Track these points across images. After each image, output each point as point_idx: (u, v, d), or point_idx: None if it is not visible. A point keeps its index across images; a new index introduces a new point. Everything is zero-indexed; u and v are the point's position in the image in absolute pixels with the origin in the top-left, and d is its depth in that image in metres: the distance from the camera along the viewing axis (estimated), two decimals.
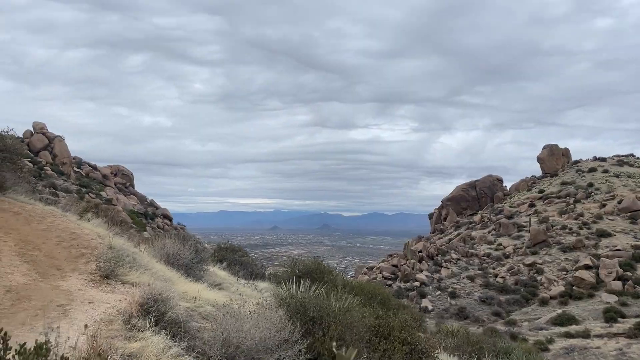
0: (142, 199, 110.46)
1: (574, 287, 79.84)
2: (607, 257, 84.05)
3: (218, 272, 14.30)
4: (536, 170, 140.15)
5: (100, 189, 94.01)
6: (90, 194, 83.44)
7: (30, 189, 13.05)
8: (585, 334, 59.01)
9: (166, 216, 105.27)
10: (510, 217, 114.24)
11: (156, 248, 11.62)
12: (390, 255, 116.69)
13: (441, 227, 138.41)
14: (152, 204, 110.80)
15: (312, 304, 8.74)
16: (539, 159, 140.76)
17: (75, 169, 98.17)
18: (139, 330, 7.06)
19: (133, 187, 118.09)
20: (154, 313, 7.45)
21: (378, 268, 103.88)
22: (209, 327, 7.62)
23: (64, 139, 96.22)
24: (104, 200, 77.78)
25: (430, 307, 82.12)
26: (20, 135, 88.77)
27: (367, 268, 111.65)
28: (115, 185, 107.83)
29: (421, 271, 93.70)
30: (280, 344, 7.43)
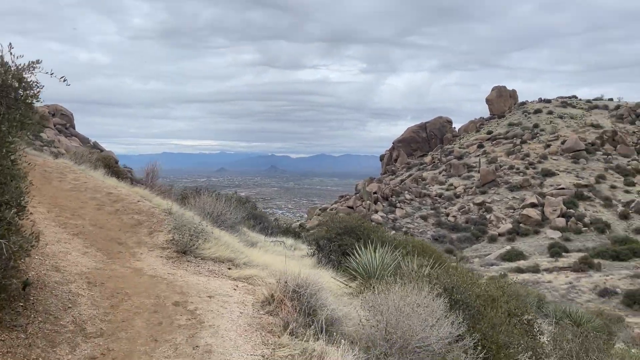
0: (84, 140, 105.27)
1: (521, 225, 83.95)
2: (552, 195, 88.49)
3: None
4: (480, 112, 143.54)
5: (39, 130, 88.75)
6: (27, 135, 78.43)
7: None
8: (535, 269, 62.60)
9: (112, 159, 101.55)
10: (460, 158, 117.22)
11: (194, 207, 10.72)
12: (343, 197, 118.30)
13: (392, 168, 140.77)
14: (95, 146, 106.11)
15: (467, 292, 7.66)
16: (487, 101, 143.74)
17: None
18: (305, 338, 5.52)
19: (74, 128, 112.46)
20: (306, 311, 6.10)
21: (332, 209, 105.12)
22: (367, 325, 6.07)
23: None
24: (45, 143, 73.64)
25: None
26: None
27: (320, 209, 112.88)
28: (54, 126, 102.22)
29: (377, 212, 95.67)
30: (445, 340, 6.06)
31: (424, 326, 5.90)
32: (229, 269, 8.01)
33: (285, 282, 6.56)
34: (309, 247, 14.81)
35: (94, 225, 8.01)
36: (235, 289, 7.14)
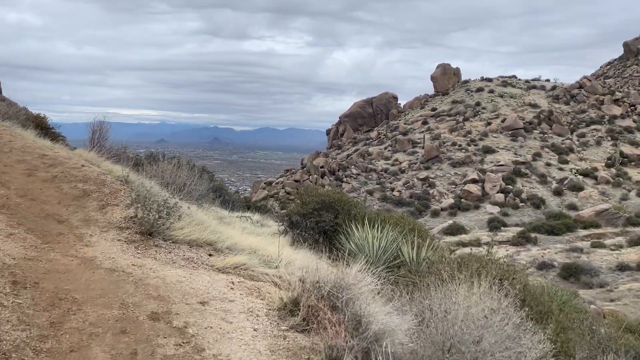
0: (12, 105, 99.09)
1: (462, 200, 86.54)
2: (492, 171, 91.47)
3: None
4: (422, 89, 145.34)
5: None
6: None
7: None
8: (477, 243, 64.57)
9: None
10: (405, 133, 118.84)
11: (152, 176, 9.38)
12: (289, 170, 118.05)
13: (339, 143, 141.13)
14: (25, 112, 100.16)
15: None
16: (432, 78, 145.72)
17: None
18: None
19: (1, 92, 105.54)
20: (352, 326, 4.19)
21: (278, 183, 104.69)
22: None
23: None
24: None
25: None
26: None
27: (265, 183, 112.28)
28: None
29: (323, 186, 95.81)
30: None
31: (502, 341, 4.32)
32: (210, 255, 6.47)
33: (317, 282, 4.85)
34: (279, 224, 13.93)
35: (22, 197, 6.36)
36: (232, 288, 5.48)
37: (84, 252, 5.52)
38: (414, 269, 8.46)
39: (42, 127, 15.03)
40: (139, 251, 5.99)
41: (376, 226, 9.53)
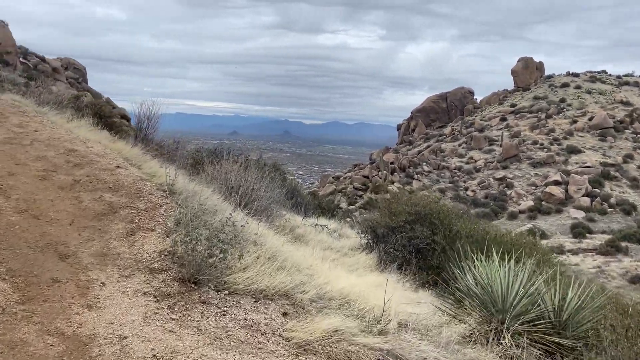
0: (96, 96, 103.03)
1: (543, 202, 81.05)
2: (577, 173, 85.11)
3: None
4: (500, 84, 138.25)
5: (50, 83, 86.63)
6: (39, 88, 76.27)
7: None
8: (560, 250, 59.72)
9: (124, 116, 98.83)
10: (481, 130, 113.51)
11: (213, 180, 7.43)
12: (357, 165, 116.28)
13: (410, 138, 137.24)
14: (108, 102, 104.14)
15: None
16: (512, 72, 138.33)
17: (22, 59, 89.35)
18: None
19: (86, 82, 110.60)
20: None
21: (346, 178, 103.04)
22: None
23: (7, 25, 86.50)
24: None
25: None
26: None
27: (333, 177, 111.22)
28: (67, 79, 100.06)
29: (393, 183, 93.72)
30: None
31: None
32: (285, 314, 4.28)
33: None
34: (360, 235, 11.75)
35: (22, 212, 4.61)
36: None
37: (79, 324, 3.44)
38: (561, 327, 5.88)
39: (100, 115, 13.48)
40: (174, 316, 3.83)
41: (497, 254, 6.94)
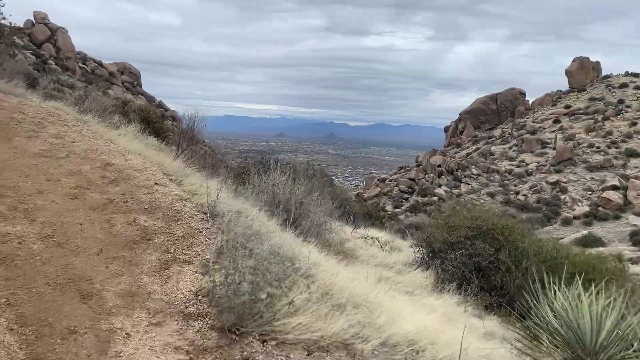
0: (150, 99, 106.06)
1: (600, 208, 77.41)
2: (637, 178, 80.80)
3: None
4: (552, 85, 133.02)
5: (107, 87, 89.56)
6: (96, 91, 78.75)
7: (22, 77, 8.31)
8: (618, 258, 56.60)
9: (175, 118, 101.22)
10: (533, 133, 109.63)
11: (259, 193, 6.85)
12: (402, 168, 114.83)
13: (458, 140, 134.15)
14: (160, 105, 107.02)
15: None
16: (567, 72, 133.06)
17: (80, 64, 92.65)
18: None
19: (140, 86, 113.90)
20: None
21: (392, 181, 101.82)
22: None
23: (67, 32, 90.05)
24: (112, 99, 73.47)
25: None
26: (22, 26, 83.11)
27: (378, 180, 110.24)
28: (122, 83, 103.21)
29: (440, 186, 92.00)
30: None
31: None
32: None
33: None
34: (414, 249, 10.97)
35: (46, 239, 4.08)
36: None
37: None
38: None
39: (147, 121, 13.20)
40: None
41: (576, 279, 5.95)
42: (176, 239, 4.53)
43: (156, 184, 5.61)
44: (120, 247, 4.24)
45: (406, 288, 8.52)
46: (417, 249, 11.46)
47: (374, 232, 13.26)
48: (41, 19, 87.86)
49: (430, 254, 10.75)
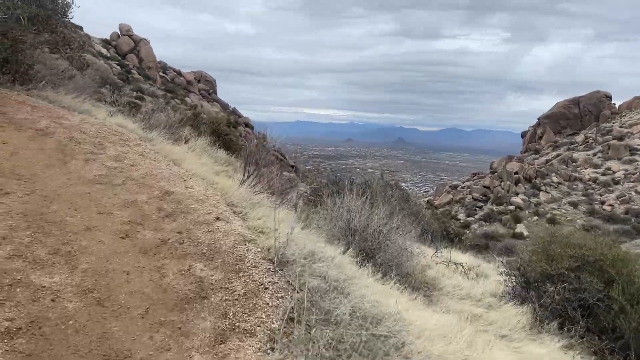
0: (224, 106, 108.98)
1: None
2: None
3: None
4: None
5: (184, 95, 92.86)
6: (175, 99, 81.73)
7: (92, 90, 7.96)
8: None
9: (247, 124, 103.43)
10: (620, 138, 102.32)
11: (332, 220, 6.06)
12: (476, 174, 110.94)
13: (536, 146, 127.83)
14: (234, 111, 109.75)
15: None
16: None
17: (161, 74, 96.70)
18: None
19: (216, 93, 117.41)
20: None
21: (464, 188, 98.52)
22: None
23: (149, 43, 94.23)
24: (189, 107, 75.87)
25: (525, 233, 77.10)
26: (108, 37, 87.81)
27: (450, 187, 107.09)
28: (199, 91, 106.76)
29: (517, 194, 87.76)
30: None
31: None
32: None
33: None
34: (504, 277, 9.75)
35: (85, 294, 3.47)
36: None
37: None
38: None
39: (217, 133, 12.77)
40: None
41: None
42: (236, 298, 3.73)
43: (218, 218, 4.90)
44: (169, 307, 3.51)
45: (501, 330, 7.40)
46: (507, 278, 10.19)
47: (455, 254, 12.10)
48: (126, 31, 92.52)
49: (524, 285, 9.48)
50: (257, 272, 4.04)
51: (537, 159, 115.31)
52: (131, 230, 4.36)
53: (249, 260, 4.20)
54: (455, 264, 10.42)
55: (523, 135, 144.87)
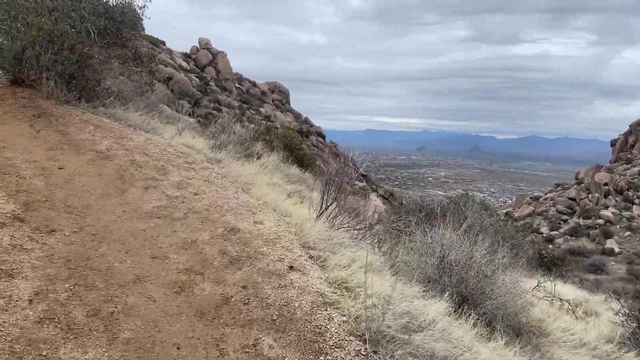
0: (297, 116, 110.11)
1: None
2: None
3: None
4: None
5: (259, 105, 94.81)
6: (250, 109, 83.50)
7: (167, 102, 7.46)
8: None
9: (320, 134, 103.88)
10: None
11: (422, 254, 5.05)
12: (560, 185, 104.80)
13: (628, 156, 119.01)
14: (306, 121, 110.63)
15: None
16: None
17: (237, 85, 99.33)
18: None
19: (289, 104, 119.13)
20: None
21: (548, 199, 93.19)
22: None
23: (226, 55, 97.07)
24: (263, 117, 77.15)
25: (616, 250, 71.82)
26: (188, 51, 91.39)
27: (531, 198, 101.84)
28: (272, 101, 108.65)
29: (607, 207, 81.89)
30: None
31: None
32: None
33: None
34: (623, 319, 8.33)
35: None
36: None
37: None
38: None
39: (291, 148, 12.10)
40: None
41: None
42: None
43: (291, 267, 4.00)
44: None
45: None
46: (625, 319, 8.68)
47: (559, 285, 10.66)
48: (204, 45, 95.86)
49: None
50: (342, 354, 3.07)
51: (629, 169, 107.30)
52: (188, 282, 3.58)
53: (332, 336, 3.24)
54: (560, 299, 9.03)
55: (613, 143, 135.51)
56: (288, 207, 5.45)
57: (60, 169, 5.08)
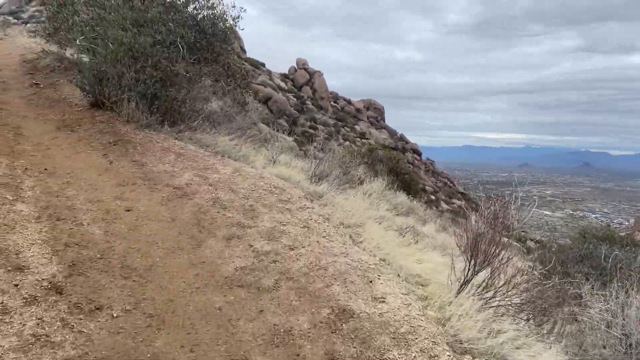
0: (392, 132, 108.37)
1: None
2: None
3: None
4: None
5: (354, 123, 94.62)
6: (345, 127, 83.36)
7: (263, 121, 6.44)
8: None
9: (415, 151, 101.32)
10: None
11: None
12: None
13: None
14: (401, 138, 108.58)
15: None
16: None
17: (332, 103, 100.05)
18: None
19: (384, 120, 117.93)
20: None
21: None
22: None
23: (322, 75, 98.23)
24: (358, 134, 76.52)
25: None
26: (286, 72, 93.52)
27: None
28: (367, 119, 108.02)
29: None
30: None
31: None
32: None
33: None
34: None
35: None
36: None
37: None
38: None
39: (397, 172, 10.71)
40: None
41: None
42: None
43: None
44: None
45: None
46: None
47: None
48: (302, 65, 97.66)
49: None
50: None
51: None
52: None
53: None
54: None
55: None
56: (413, 264, 4.02)
57: (128, 211, 4.10)
